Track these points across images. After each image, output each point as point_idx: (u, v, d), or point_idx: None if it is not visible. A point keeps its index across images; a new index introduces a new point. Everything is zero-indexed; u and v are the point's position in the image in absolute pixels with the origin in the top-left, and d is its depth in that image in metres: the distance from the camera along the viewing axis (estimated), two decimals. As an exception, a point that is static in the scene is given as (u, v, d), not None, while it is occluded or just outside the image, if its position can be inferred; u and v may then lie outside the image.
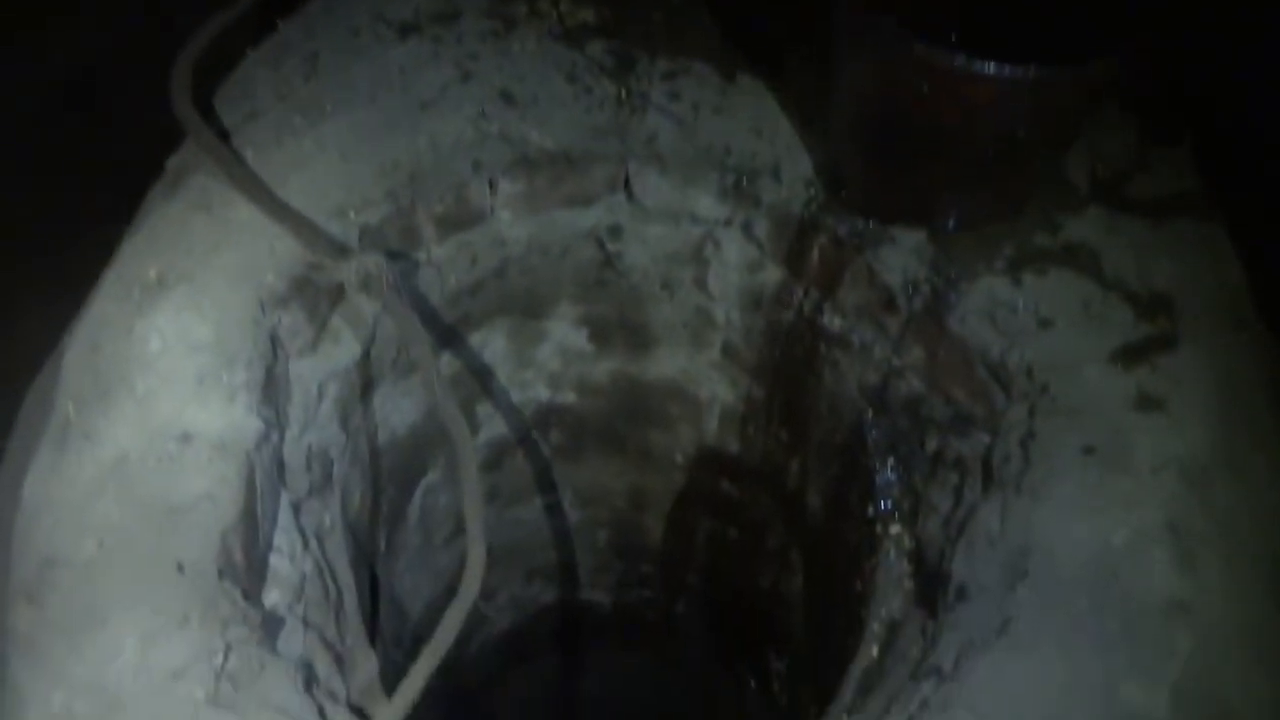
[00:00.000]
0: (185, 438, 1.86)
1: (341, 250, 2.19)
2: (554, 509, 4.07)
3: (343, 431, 2.43)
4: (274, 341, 2.12)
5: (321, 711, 1.80)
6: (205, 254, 2.10)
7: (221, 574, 1.78)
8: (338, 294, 2.30)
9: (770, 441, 3.19)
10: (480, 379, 3.18)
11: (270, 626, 1.90)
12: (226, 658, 1.69)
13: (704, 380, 3.16)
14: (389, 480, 2.91)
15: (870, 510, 2.53)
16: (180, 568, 1.73)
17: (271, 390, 2.08)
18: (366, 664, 2.21)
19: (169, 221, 2.16)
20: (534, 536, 4.17)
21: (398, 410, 2.80)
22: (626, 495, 4.01)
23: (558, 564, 4.40)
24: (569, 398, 3.40)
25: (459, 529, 3.79)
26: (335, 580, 2.25)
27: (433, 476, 3.31)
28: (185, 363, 1.94)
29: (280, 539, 2.09)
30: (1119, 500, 1.88)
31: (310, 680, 1.89)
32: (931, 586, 2.15)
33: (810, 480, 3.04)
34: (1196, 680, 1.67)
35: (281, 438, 2.17)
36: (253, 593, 1.89)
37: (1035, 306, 2.12)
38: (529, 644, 5.01)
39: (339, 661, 2.12)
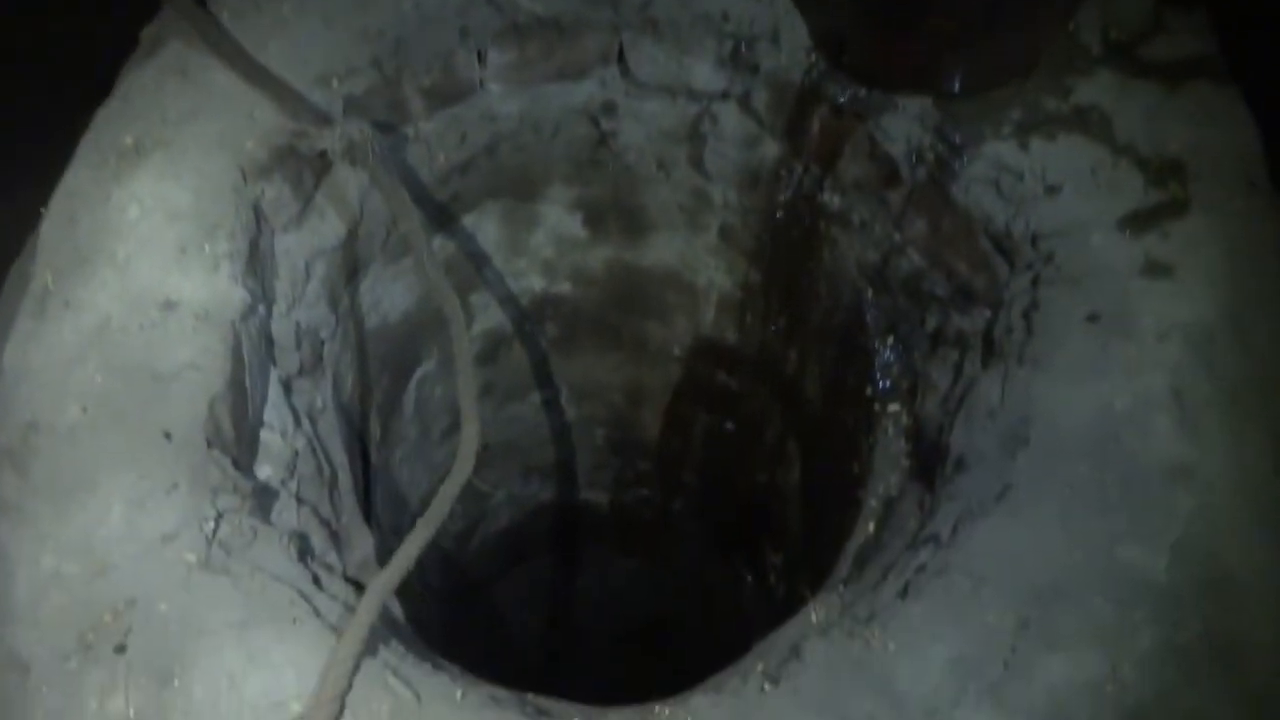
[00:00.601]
0: (168, 305, 1.82)
1: (325, 118, 2.11)
2: (551, 405, 4.05)
3: (331, 312, 2.38)
4: (257, 213, 2.05)
5: (316, 580, 1.79)
6: (183, 121, 2.02)
7: (210, 443, 1.75)
8: (323, 167, 2.22)
9: (768, 330, 3.15)
10: (474, 266, 3.12)
11: (263, 499, 1.88)
12: (217, 524, 1.67)
13: (701, 266, 3.10)
14: (382, 367, 2.87)
15: (869, 391, 2.50)
16: (167, 435, 1.70)
17: (256, 263, 2.03)
18: (362, 541, 2.21)
19: (145, 88, 2.07)
20: (531, 433, 4.17)
21: (389, 295, 2.75)
22: (623, 390, 3.98)
23: (555, 462, 4.40)
24: (564, 287, 3.35)
25: (456, 423, 3.78)
26: (329, 459, 2.23)
27: (428, 367, 3.28)
28: (166, 231, 1.89)
29: (271, 415, 2.06)
30: (1122, 367, 1.85)
31: (305, 551, 1.88)
32: (930, 461, 2.13)
33: (808, 367, 3.01)
34: (1196, 541, 1.65)
35: (269, 312, 2.13)
36: (244, 464, 1.87)
37: (1042, 172, 2.05)
38: (528, 542, 5.05)
39: (334, 538, 2.11)
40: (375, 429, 2.91)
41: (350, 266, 2.46)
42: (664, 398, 3.93)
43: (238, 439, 1.84)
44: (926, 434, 2.23)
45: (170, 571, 1.56)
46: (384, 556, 2.21)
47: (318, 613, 1.63)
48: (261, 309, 2.05)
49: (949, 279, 2.24)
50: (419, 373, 3.20)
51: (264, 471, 1.96)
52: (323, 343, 2.35)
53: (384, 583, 1.67)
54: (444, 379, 3.41)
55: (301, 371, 2.23)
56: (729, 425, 3.85)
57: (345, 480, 2.27)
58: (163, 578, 1.56)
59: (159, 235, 1.88)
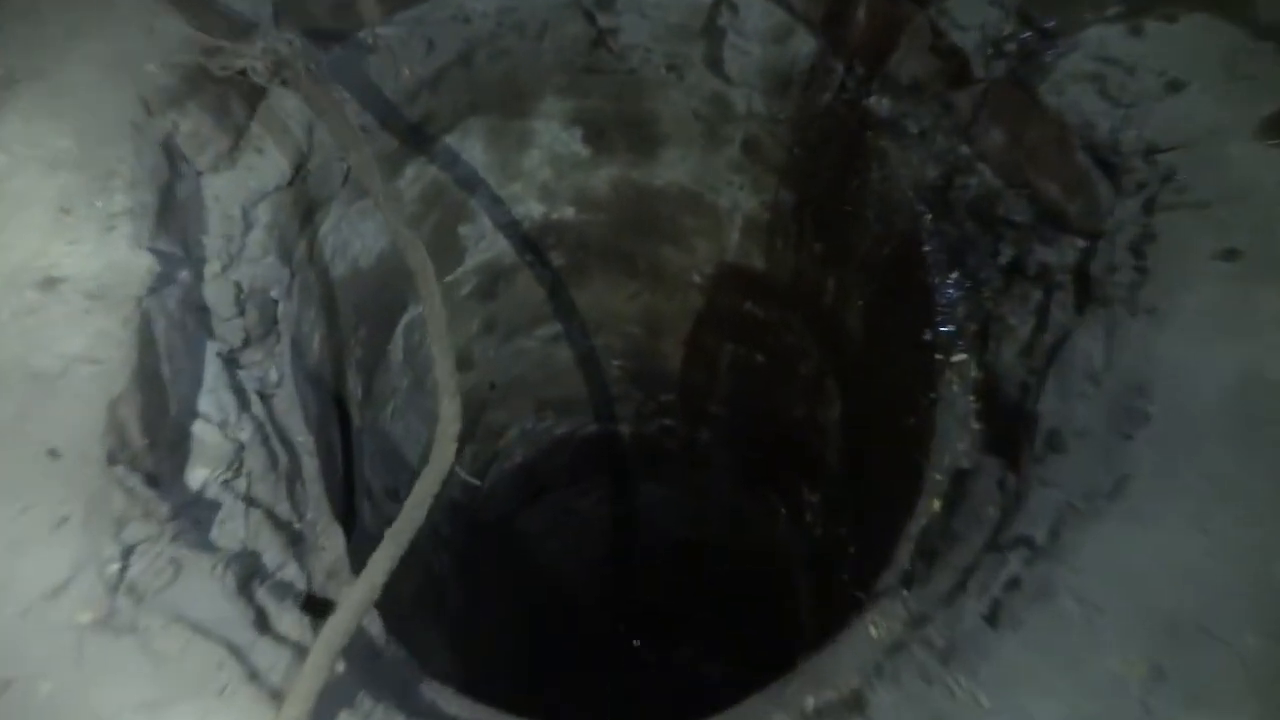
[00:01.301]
0: (48, 284, 1.43)
1: (246, 29, 1.68)
2: (561, 339, 3.68)
3: (284, 265, 1.99)
4: (170, 153, 1.65)
5: (261, 616, 1.45)
6: (64, 42, 1.60)
7: (112, 458, 1.39)
8: (253, 91, 1.80)
9: (802, 256, 2.73)
10: (461, 194, 2.70)
11: (195, 516, 1.54)
12: (124, 565, 1.32)
13: (722, 185, 2.66)
14: (359, 319, 2.50)
15: (927, 335, 2.09)
16: (53, 453, 1.34)
17: (171, 217, 1.63)
18: (332, 540, 1.87)
19: (14, 7, 1.65)
20: (541, 368, 3.81)
21: (358, 236, 2.35)
22: (640, 320, 3.60)
23: (570, 396, 4.06)
24: (567, 213, 2.93)
25: (457, 364, 3.42)
26: (287, 445, 1.87)
27: (416, 311, 2.90)
28: (43, 185, 1.49)
29: (207, 403, 1.70)
30: (1272, 320, 1.43)
31: (250, 576, 1.53)
32: (1011, 429, 1.74)
33: (850, 301, 2.60)
34: (1379, 553, 1.27)
35: (198, 276, 1.74)
36: (165, 477, 1.51)
37: (1161, 65, 1.60)
38: (545, 478, 4.76)
39: (296, 543, 1.77)
40: (355, 388, 2.56)
41: (304, 208, 2.06)
42: (685, 328, 3.55)
43: (153, 446, 1.48)
44: (1003, 393, 1.83)
45: (56, 638, 1.22)
46: (379, 529, 1.86)
47: (253, 675, 1.29)
48: (185, 274, 1.66)
49: (1032, 202, 1.81)
50: (405, 319, 2.82)
51: (197, 477, 1.60)
52: (275, 303, 1.96)
53: (335, 633, 1.33)
54: (437, 321, 3.04)
55: (248, 342, 1.86)
56: (758, 357, 3.47)
57: (310, 466, 1.91)
58: (46, 647, 1.22)
59: (34, 191, 1.48)
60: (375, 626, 1.73)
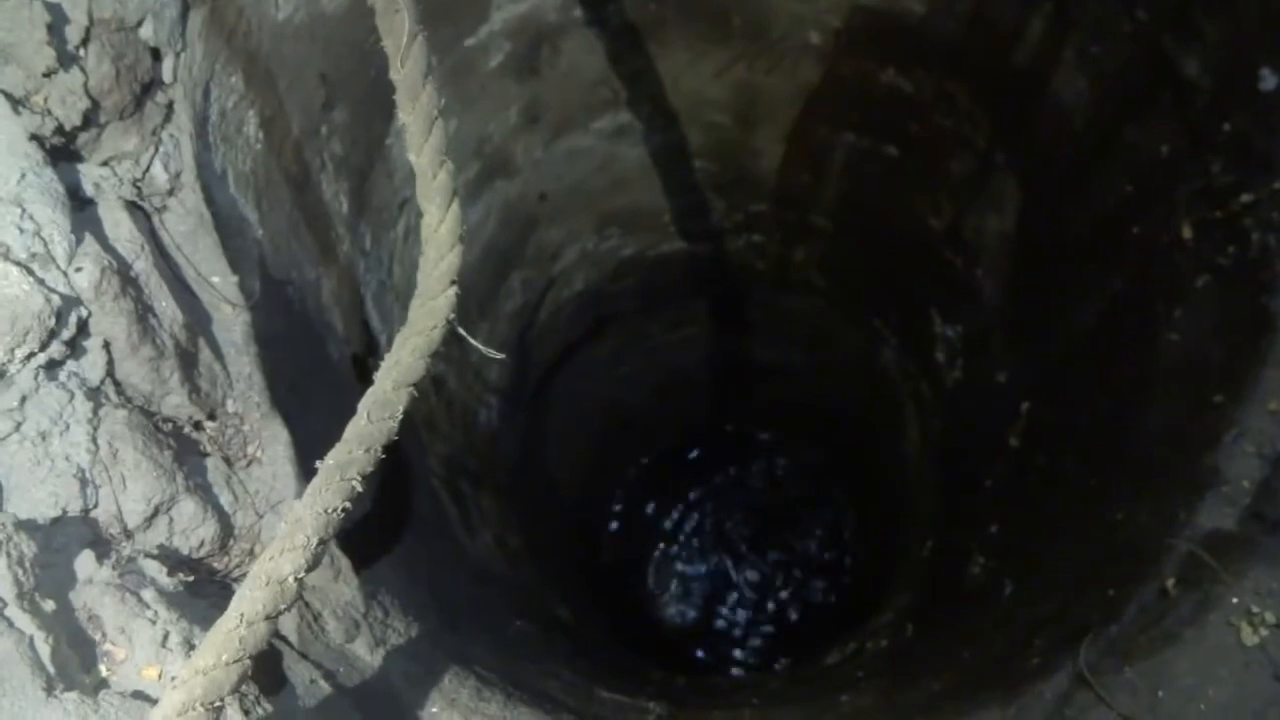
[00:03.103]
0: None
1: None
2: (625, 133, 2.84)
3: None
4: None
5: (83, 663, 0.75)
6: None
7: None
8: None
9: (990, -16, 1.82)
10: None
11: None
12: None
13: None
14: (331, 93, 1.69)
15: (1270, 81, 1.22)
16: None
17: None
18: (270, 446, 1.14)
19: None
20: (602, 173, 3.00)
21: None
22: (730, 105, 2.73)
23: (639, 208, 3.26)
24: (634, -63, 2.04)
25: (492, 168, 2.62)
26: (183, 293, 1.12)
27: (426, 88, 2.08)
28: None
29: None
30: None
31: (101, 548, 0.82)
32: None
33: (1070, 48, 1.70)
34: None
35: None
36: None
37: None
38: (610, 304, 4.02)
39: (194, 462, 1.05)
40: (337, 198, 1.78)
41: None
42: (791, 113, 2.70)
43: None
44: None
45: None
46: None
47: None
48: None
49: None
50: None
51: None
52: (152, 53, 1.16)
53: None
54: (458, 112, 2.21)
55: (95, 118, 1.08)
56: (889, 150, 2.60)
57: (235, 326, 1.17)
58: None
59: None
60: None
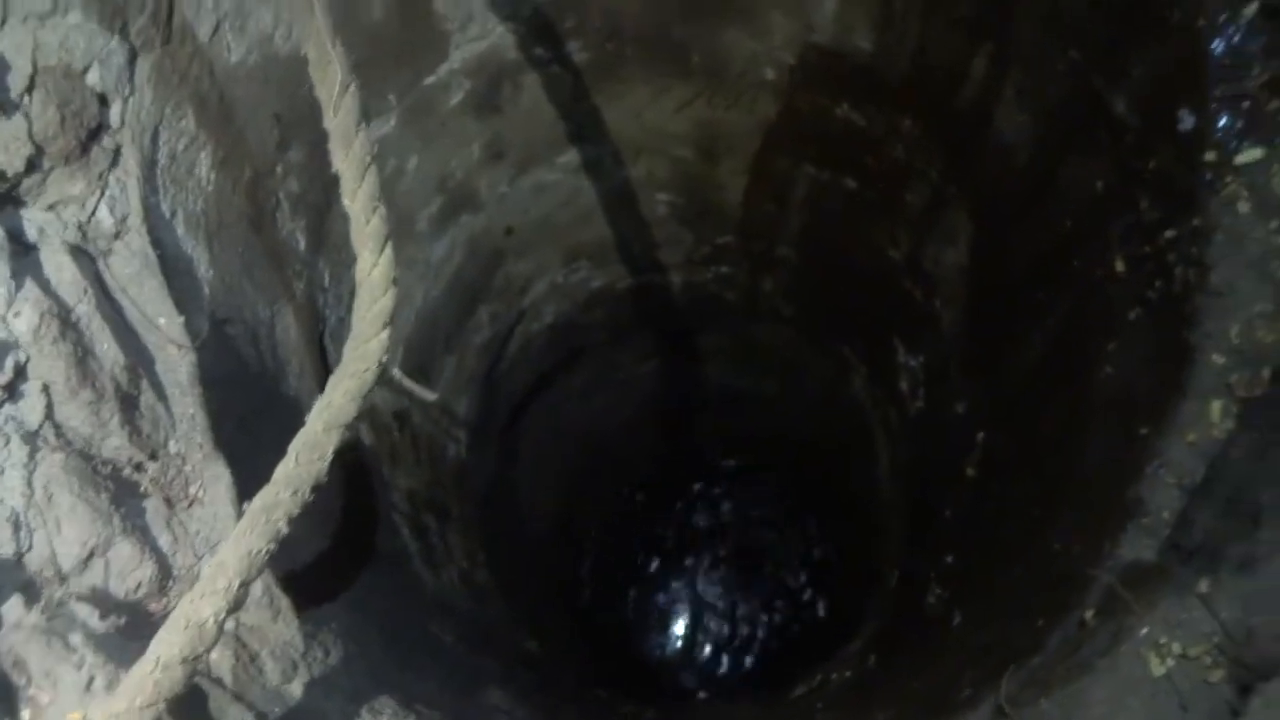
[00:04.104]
0: None
1: None
2: (591, 168, 2.87)
3: (108, 32, 1.20)
4: None
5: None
6: None
7: None
8: None
9: (933, 25, 1.87)
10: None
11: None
12: None
13: (818, -83, 1.79)
14: (286, 133, 1.71)
15: (1186, 123, 1.26)
16: None
17: None
18: (213, 486, 1.16)
19: None
20: (568, 207, 3.02)
21: (254, 11, 1.53)
22: (692, 139, 2.76)
23: (605, 240, 3.29)
24: (589, -21, 2.08)
25: (456, 203, 2.64)
26: (128, 335, 1.14)
27: (386, 127, 2.11)
28: None
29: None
30: None
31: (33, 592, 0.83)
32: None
33: (1010, 85, 1.75)
34: None
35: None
36: None
37: None
38: (580, 337, 4.04)
39: (133, 503, 1.06)
40: (295, 236, 1.79)
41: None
42: (751, 147, 2.74)
43: None
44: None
45: None
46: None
47: None
48: None
49: None
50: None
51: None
52: (99, 98, 1.18)
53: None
54: (422, 148, 2.24)
55: (38, 163, 1.09)
56: (848, 183, 2.64)
57: (180, 366, 1.18)
58: None
59: None
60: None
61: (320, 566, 1.42)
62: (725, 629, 4.57)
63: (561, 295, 3.56)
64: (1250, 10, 1.16)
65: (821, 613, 4.49)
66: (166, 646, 0.72)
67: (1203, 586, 1.00)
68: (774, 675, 4.14)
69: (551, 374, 3.99)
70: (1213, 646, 0.97)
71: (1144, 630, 1.00)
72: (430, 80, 2.14)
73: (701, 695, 4.40)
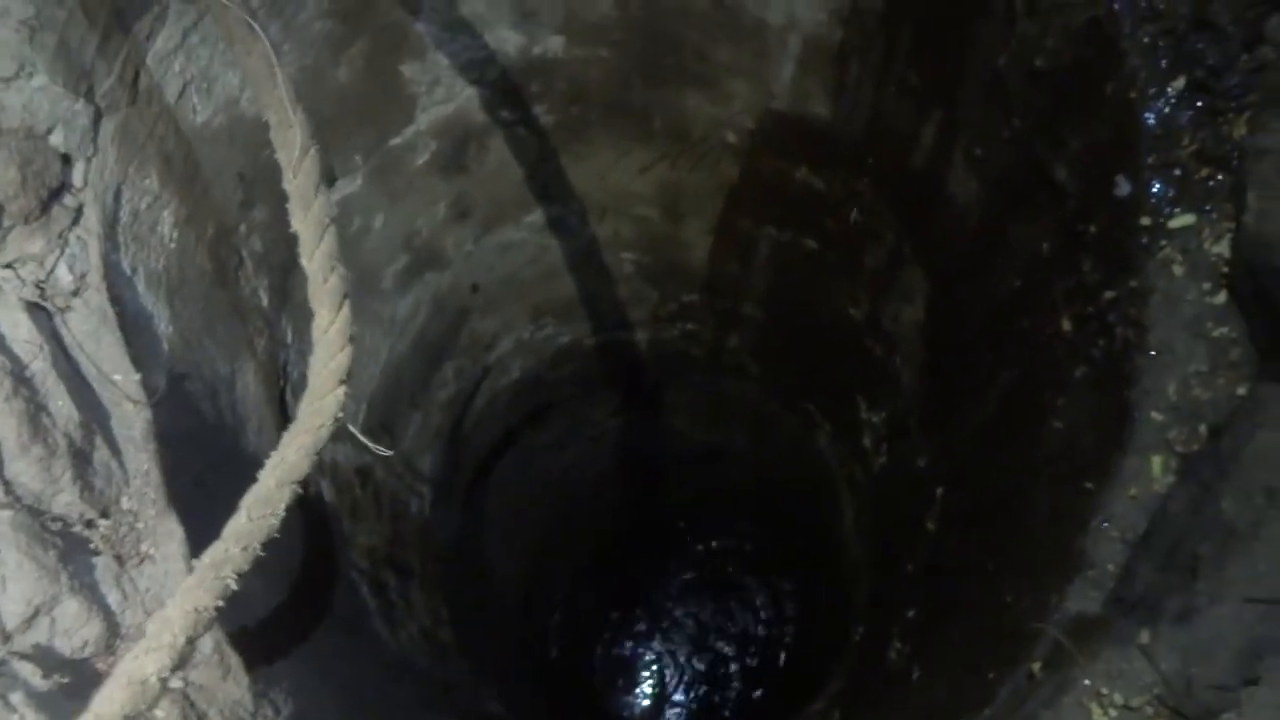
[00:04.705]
0: None
1: None
2: (556, 227, 2.91)
3: (74, 95, 1.22)
4: None
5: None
6: None
7: None
8: None
9: (886, 93, 1.94)
10: (400, 14, 1.91)
11: None
12: None
13: (774, -10, 1.85)
14: (249, 192, 1.73)
15: (1119, 188, 1.31)
16: None
17: None
18: (165, 544, 1.15)
19: None
20: (534, 265, 3.06)
21: (231, 65, 1.56)
22: (656, 199, 2.82)
23: (571, 298, 3.32)
24: (553, 45, 2.13)
25: (421, 261, 2.66)
26: (82, 390, 1.14)
27: (353, 185, 2.14)
28: None
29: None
30: None
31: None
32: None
33: (960, 151, 1.81)
34: None
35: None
36: None
37: None
38: (548, 393, 4.05)
39: (83, 561, 1.05)
40: (257, 294, 1.80)
41: (108, 9, 1.28)
42: (714, 208, 2.79)
43: None
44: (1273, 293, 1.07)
45: None
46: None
47: None
48: None
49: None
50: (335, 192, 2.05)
51: None
52: (62, 159, 1.20)
53: None
54: (385, 206, 2.27)
55: None
56: (809, 243, 2.70)
57: (136, 422, 1.18)
58: None
59: None
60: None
61: (274, 623, 1.40)
62: (692, 688, 4.53)
63: (528, 352, 3.57)
64: (1179, 84, 1.22)
65: (788, 669, 4.47)
66: (108, 704, 0.72)
67: (1144, 638, 1.03)
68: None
69: (518, 429, 3.99)
70: (1153, 697, 0.99)
71: (1086, 681, 1.02)
72: (397, 141, 2.17)
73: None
